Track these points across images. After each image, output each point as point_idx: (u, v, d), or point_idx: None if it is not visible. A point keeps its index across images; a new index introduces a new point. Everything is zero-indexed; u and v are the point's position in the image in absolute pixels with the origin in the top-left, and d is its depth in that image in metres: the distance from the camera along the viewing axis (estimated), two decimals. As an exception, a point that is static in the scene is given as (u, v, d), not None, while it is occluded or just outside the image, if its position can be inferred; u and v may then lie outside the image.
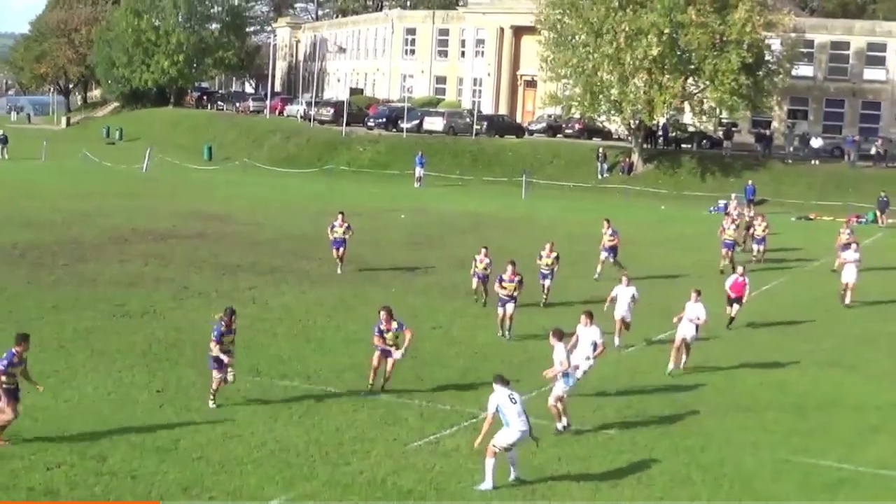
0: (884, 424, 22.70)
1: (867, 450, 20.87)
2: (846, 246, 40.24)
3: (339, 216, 36.71)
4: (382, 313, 22.35)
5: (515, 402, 16.95)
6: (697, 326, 25.64)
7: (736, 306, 30.38)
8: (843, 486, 18.83)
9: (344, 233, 36.41)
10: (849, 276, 36.00)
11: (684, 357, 25.72)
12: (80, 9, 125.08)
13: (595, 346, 22.01)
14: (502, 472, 17.04)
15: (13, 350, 17.69)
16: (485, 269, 32.46)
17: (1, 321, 26.55)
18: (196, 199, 59.20)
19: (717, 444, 20.43)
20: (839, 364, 28.23)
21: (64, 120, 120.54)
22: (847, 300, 36.02)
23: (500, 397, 16.90)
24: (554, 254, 34.01)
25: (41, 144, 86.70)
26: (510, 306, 27.72)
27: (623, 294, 27.69)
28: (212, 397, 20.65)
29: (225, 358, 20.27)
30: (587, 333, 22.06)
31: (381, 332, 21.99)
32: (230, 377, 20.44)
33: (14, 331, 25.02)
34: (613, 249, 39.96)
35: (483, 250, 33.16)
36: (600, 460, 18.95)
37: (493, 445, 16.70)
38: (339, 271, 36.44)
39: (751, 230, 46.74)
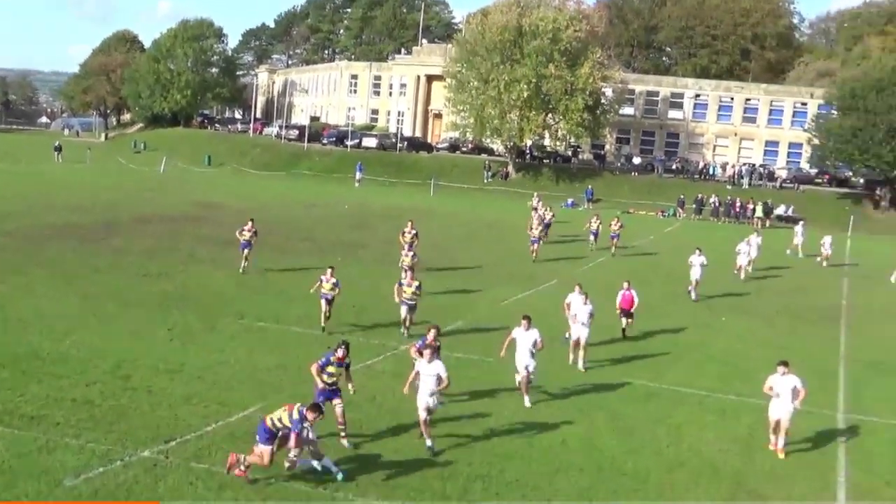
0: (681, 357, 24.37)
1: (668, 374, 22.51)
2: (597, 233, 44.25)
3: (250, 222, 31.87)
4: (329, 270, 23.71)
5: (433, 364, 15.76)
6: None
7: (626, 319, 25.48)
8: (651, 399, 20.43)
9: (251, 237, 31.47)
10: (695, 275, 32.82)
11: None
12: (115, 55, 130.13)
13: (535, 343, 18.68)
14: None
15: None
16: (411, 239, 33.29)
17: (56, 280, 27.88)
18: (199, 193, 60.09)
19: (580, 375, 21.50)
20: (673, 297, 28.88)
21: (103, 135, 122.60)
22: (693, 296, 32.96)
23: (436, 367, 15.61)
24: (413, 231, 34.09)
25: (86, 152, 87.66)
26: (405, 309, 23.63)
27: (579, 307, 22.22)
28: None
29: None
30: (527, 337, 18.77)
31: (322, 281, 23.49)
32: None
33: (67, 287, 26.96)
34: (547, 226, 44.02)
35: (409, 223, 34.65)
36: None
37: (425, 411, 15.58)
38: (241, 271, 31.19)
39: (587, 225, 45.51)
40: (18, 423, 15.65)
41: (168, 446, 15.09)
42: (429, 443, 15.64)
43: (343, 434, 15.61)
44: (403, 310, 23.76)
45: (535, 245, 40.16)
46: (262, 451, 13.56)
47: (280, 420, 13.59)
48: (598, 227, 44.52)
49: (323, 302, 23.68)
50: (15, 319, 22.68)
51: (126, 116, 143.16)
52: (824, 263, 45.61)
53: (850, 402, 21.31)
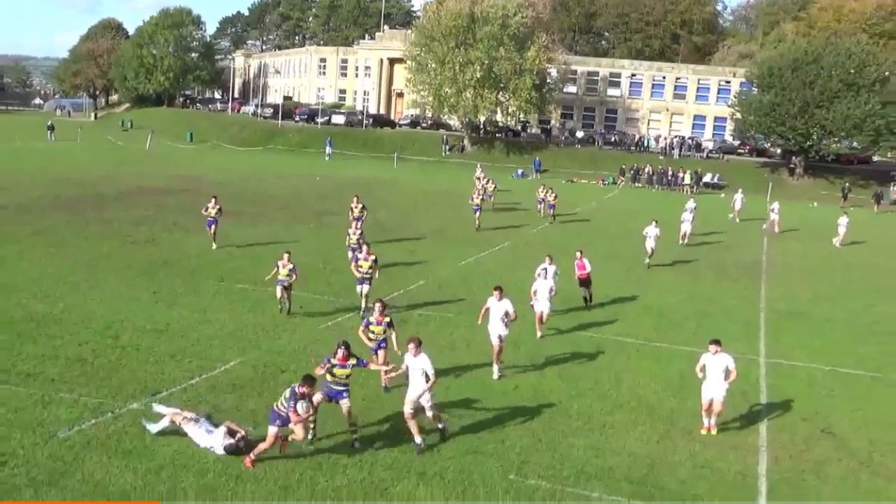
0: (620, 310, 24.53)
1: (610, 326, 22.81)
2: (543, 201, 42.90)
3: (213, 199, 29.54)
4: (285, 256, 20.85)
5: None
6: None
7: (586, 288, 23.92)
8: (595, 348, 20.57)
9: (216, 214, 29.15)
10: (650, 245, 30.92)
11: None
12: (102, 42, 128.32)
13: (508, 314, 17.14)
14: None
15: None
16: (360, 213, 31.08)
17: (49, 248, 27.25)
18: (182, 167, 58.78)
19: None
20: (613, 256, 28.78)
21: (93, 115, 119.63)
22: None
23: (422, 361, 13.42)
24: (360, 205, 31.36)
25: (77, 131, 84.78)
26: (365, 286, 21.11)
27: (542, 287, 20.58)
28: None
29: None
30: (499, 307, 17.22)
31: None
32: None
33: (60, 255, 26.29)
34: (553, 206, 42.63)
35: (355, 198, 31.82)
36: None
37: (433, 408, 13.61)
38: (213, 247, 28.88)
39: (550, 192, 43.44)
40: (15, 381, 15.35)
41: (155, 398, 14.86)
42: (418, 440, 13.40)
43: (354, 435, 13.53)
44: (358, 288, 21.38)
45: (477, 213, 38.28)
46: (269, 432, 12.77)
47: (281, 403, 12.73)
48: (545, 196, 43.90)
49: (279, 289, 20.88)
50: (10, 285, 22.15)
51: (114, 97, 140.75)
52: (776, 229, 44.04)
53: (769, 347, 21.51)
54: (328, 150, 74.81)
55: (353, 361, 13.52)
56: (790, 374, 19.37)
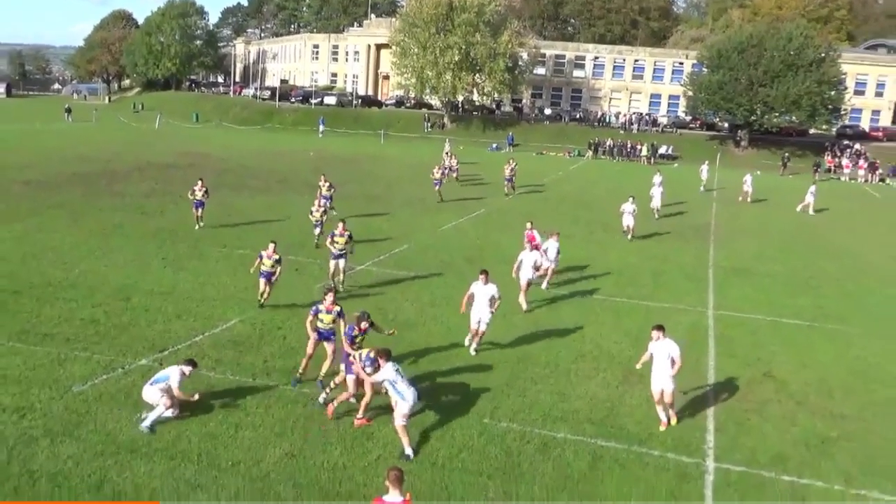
0: (583, 269, 24.23)
1: (574, 284, 22.81)
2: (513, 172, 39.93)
3: (200, 181, 26.99)
4: (271, 246, 17.87)
5: (402, 375, 11.58)
6: (492, 309, 15.54)
7: None
8: (561, 304, 20.93)
9: (203, 196, 26.52)
10: (628, 221, 28.97)
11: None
12: (114, 31, 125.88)
13: (493, 299, 15.39)
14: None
15: (353, 326, 12.75)
16: (328, 190, 29.60)
17: (66, 219, 26.83)
18: (188, 145, 57.70)
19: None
20: (577, 221, 29.33)
21: (107, 98, 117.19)
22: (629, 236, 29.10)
23: (388, 373, 11.46)
24: (328, 182, 29.83)
25: (92, 113, 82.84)
26: (342, 261, 19.49)
27: (527, 258, 19.04)
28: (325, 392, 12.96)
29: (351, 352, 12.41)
30: (485, 291, 15.46)
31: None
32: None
33: (75, 225, 25.81)
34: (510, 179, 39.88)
35: (322, 177, 30.13)
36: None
37: (401, 422, 11.35)
38: (197, 227, 26.31)
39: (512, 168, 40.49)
40: (34, 340, 15.04)
41: (162, 355, 14.67)
42: (408, 451, 11.47)
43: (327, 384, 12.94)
44: (333, 264, 19.63)
45: (437, 186, 36.25)
46: (347, 379, 12.45)
47: (356, 355, 12.15)
48: (513, 168, 41.43)
49: (262, 281, 17.78)
50: (31, 254, 21.75)
51: (126, 82, 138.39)
52: (748, 200, 42.41)
53: (717, 301, 21.48)
54: (321, 128, 73.72)
55: (338, 308, 13.44)
56: (736, 324, 19.33)
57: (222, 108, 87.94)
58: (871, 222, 39.31)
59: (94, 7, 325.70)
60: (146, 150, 51.97)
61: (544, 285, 21.13)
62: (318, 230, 24.64)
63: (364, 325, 12.85)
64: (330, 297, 13.60)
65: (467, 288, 15.96)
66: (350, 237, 19.75)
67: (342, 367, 12.66)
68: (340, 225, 19.94)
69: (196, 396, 12.30)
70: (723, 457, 12.10)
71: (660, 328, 12.93)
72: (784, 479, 11.54)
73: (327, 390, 13.00)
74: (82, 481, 10.23)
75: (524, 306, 18.96)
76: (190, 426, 11.93)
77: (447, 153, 48.37)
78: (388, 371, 11.47)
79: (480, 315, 15.48)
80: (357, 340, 12.73)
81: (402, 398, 11.36)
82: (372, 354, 11.83)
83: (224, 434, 11.80)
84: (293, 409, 12.76)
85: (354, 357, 12.20)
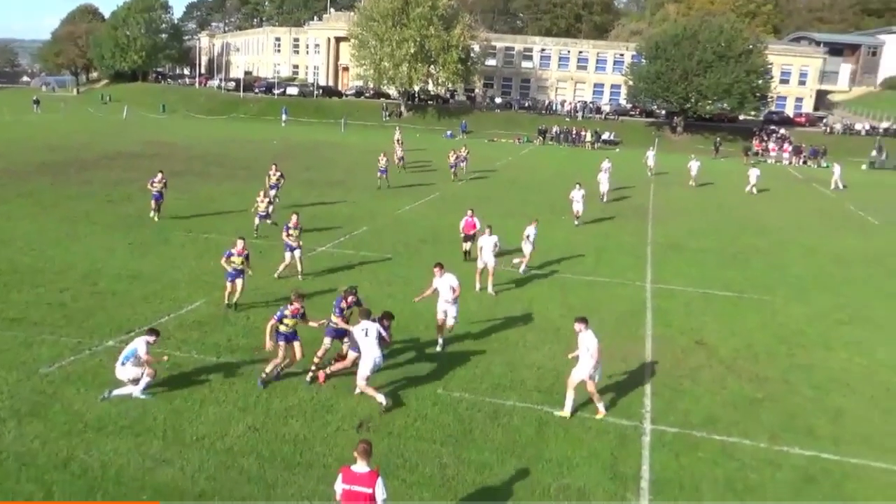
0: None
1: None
2: (459, 158, 38.91)
3: (159, 174, 25.33)
4: (240, 243, 16.23)
5: (371, 338, 11.76)
6: (454, 299, 14.52)
7: (471, 244, 21.16)
8: (510, 280, 20.91)
9: (161, 188, 24.95)
10: (577, 207, 28.45)
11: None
12: (81, 24, 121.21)
13: (453, 290, 14.40)
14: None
15: (289, 306, 12.48)
16: (277, 180, 28.32)
17: (34, 207, 25.98)
18: (155, 135, 56.30)
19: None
20: (526, 202, 28.44)
21: (75, 90, 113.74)
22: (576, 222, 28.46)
23: (356, 328, 11.89)
24: (278, 173, 28.59)
25: (61, 105, 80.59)
26: (297, 252, 18.79)
27: (486, 243, 18.55)
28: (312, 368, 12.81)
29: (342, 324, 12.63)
30: (444, 282, 14.46)
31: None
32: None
33: (44, 213, 25.00)
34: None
35: (273, 166, 28.93)
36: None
37: (361, 382, 11.80)
38: (155, 219, 24.66)
39: (457, 156, 39.86)
40: (1, 325, 14.49)
41: (129, 336, 14.14)
42: (381, 399, 11.73)
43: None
44: (289, 255, 18.88)
45: (383, 175, 34.58)
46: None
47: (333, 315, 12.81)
48: (465, 154, 41.63)
49: (228, 283, 16.20)
50: (-1, 241, 21.00)
51: (94, 74, 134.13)
52: (692, 184, 42.31)
53: (654, 274, 21.73)
54: (284, 117, 72.62)
55: (302, 311, 12.60)
56: (670, 296, 19.57)
57: (188, 99, 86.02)
58: (794, 201, 40.18)
59: (61, 2, 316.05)
60: (114, 140, 50.55)
61: (522, 269, 20.69)
62: (262, 220, 23.02)
63: (351, 298, 12.95)
64: (297, 304, 12.62)
65: (428, 285, 14.97)
66: (300, 229, 19.02)
67: (326, 339, 12.84)
68: (294, 217, 19.15)
69: (165, 357, 12.35)
70: (659, 419, 12.24)
71: (581, 320, 12.05)
72: (715, 438, 11.73)
73: (312, 367, 12.84)
74: (49, 460, 9.93)
75: (490, 290, 18.45)
76: (156, 404, 11.67)
77: (398, 140, 47.29)
78: (358, 327, 11.91)
79: (446, 308, 14.57)
80: (346, 314, 12.84)
81: (364, 357, 11.70)
82: (343, 304, 12.58)
83: (189, 410, 11.57)
84: (256, 385, 12.55)
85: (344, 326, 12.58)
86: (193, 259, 20.28)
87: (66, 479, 9.55)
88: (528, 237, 20.63)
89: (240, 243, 16.24)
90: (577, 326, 12.07)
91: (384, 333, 12.02)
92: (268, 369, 12.55)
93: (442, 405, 12.24)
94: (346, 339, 12.79)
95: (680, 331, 16.77)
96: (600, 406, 12.25)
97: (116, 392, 11.73)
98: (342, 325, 12.70)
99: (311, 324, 12.88)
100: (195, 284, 17.94)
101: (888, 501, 10.39)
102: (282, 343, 12.47)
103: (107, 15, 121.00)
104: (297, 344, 12.69)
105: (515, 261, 20.56)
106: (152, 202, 25.02)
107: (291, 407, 11.89)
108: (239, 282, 16.07)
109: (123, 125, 65.56)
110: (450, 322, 14.68)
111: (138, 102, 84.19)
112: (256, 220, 23.27)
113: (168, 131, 60.16)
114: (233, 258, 16.04)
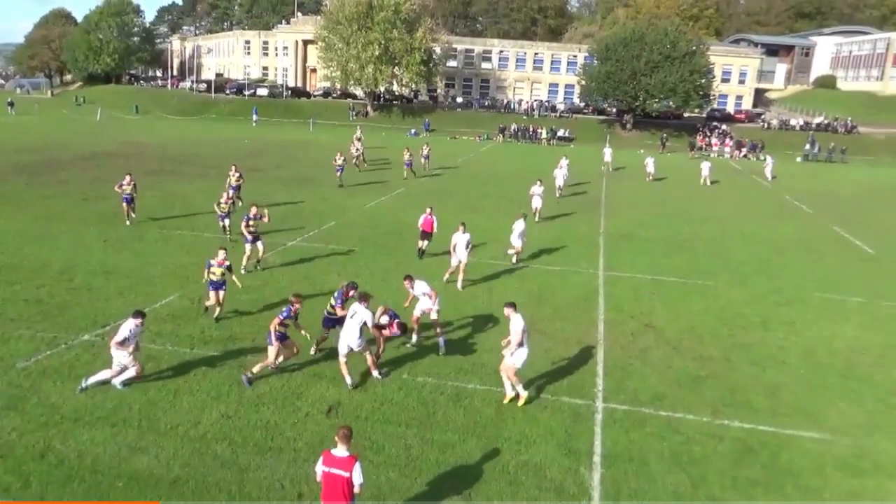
0: (491, 240, 24.35)
1: (483, 252, 22.72)
2: (413, 156, 38.05)
3: (128, 176, 23.72)
4: (221, 253, 15.04)
5: (355, 322, 11.97)
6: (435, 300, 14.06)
7: (427, 242, 20.66)
8: (472, 271, 20.87)
9: (131, 191, 23.51)
10: (536, 203, 28.03)
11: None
12: (54, 28, 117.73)
13: (430, 297, 13.88)
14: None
15: (290, 307, 12.22)
16: (237, 180, 27.30)
17: (10, 206, 25.23)
18: (128, 135, 55.04)
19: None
20: (486, 196, 28.84)
21: (49, 92, 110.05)
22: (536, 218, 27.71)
23: (349, 311, 12.19)
24: (238, 173, 27.44)
25: (35, 107, 78.25)
26: (259, 244, 18.54)
27: (460, 240, 18.26)
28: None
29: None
30: (418, 290, 14.10)
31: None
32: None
33: (20, 212, 24.35)
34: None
35: (233, 167, 27.82)
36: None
37: (342, 360, 12.00)
38: (127, 222, 23.28)
39: (410, 154, 38.69)
40: (-23, 322, 14.09)
41: (104, 330, 13.98)
42: (348, 379, 12.01)
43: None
44: (249, 247, 18.46)
45: (339, 173, 33.63)
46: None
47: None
48: (427, 152, 41.06)
49: (211, 294, 14.85)
50: (-26, 240, 20.37)
51: (68, 77, 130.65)
52: (649, 179, 42.33)
53: (606, 263, 21.92)
54: (255, 117, 71.62)
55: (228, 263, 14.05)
56: (621, 282, 19.77)
57: (161, 101, 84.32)
58: (736, 192, 40.86)
59: (35, 6, 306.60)
60: (89, 141, 49.31)
61: (514, 259, 20.92)
62: (226, 222, 21.79)
63: (351, 292, 13.04)
64: (298, 305, 12.37)
65: (409, 295, 14.53)
66: (262, 217, 18.82)
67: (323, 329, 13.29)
68: (254, 209, 18.81)
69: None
70: (610, 397, 12.38)
71: (510, 305, 11.88)
72: (661, 414, 11.91)
73: (313, 350, 13.25)
74: (26, 451, 9.70)
75: (459, 286, 18.15)
76: (131, 394, 11.47)
77: (358, 138, 45.11)
78: (351, 310, 12.16)
79: (423, 307, 14.12)
80: (345, 305, 12.96)
81: (342, 337, 12.06)
82: (344, 297, 12.89)
83: (163, 400, 11.39)
84: (229, 374, 12.41)
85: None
86: (168, 255, 19.92)
87: (43, 469, 9.36)
88: (516, 231, 20.53)
89: (221, 254, 14.92)
90: (507, 311, 11.82)
91: (369, 322, 12.08)
92: (255, 369, 12.19)
93: (407, 389, 12.23)
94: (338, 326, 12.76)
95: (630, 315, 16.96)
96: (520, 389, 11.77)
97: (93, 379, 11.49)
98: (340, 313, 12.78)
99: (303, 332, 12.58)
100: (169, 279, 17.64)
101: (820, 468, 10.66)
102: (277, 343, 12.21)
103: (79, 19, 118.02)
104: (290, 342, 12.43)
105: (510, 251, 20.95)
106: (124, 205, 23.66)
107: (263, 394, 11.78)
108: (222, 293, 14.74)
109: (97, 126, 63.97)
110: (433, 316, 14.10)
111: (112, 104, 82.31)
112: (220, 223, 22.06)
113: (141, 132, 58.92)
114: (213, 269, 14.72)
